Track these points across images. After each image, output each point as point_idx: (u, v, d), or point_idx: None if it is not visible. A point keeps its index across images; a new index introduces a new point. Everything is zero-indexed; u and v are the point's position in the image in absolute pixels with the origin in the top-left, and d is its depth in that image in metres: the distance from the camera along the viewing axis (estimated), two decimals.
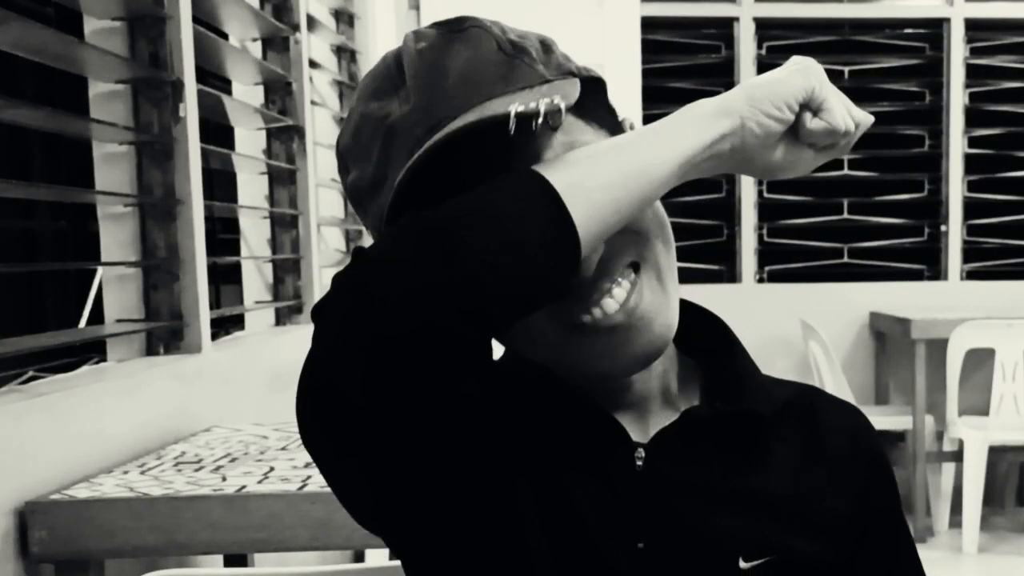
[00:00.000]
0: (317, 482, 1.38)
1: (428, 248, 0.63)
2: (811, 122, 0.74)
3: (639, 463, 0.78)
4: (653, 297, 0.76)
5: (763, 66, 4.74)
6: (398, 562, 0.85)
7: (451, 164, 0.68)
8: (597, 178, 0.66)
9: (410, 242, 0.64)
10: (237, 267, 2.75)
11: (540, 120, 0.66)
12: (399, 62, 0.76)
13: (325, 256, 2.87)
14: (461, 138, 0.67)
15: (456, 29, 0.76)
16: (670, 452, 0.79)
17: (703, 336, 0.87)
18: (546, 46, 0.78)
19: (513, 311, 0.66)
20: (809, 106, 0.73)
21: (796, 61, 0.75)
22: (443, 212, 0.65)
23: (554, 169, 0.67)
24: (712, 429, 0.81)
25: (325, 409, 0.69)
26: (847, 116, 0.75)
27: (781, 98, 0.72)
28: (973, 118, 4.76)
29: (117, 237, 1.89)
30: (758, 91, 0.72)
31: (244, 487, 1.36)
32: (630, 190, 0.67)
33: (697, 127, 0.70)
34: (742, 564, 0.77)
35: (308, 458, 1.54)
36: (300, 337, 2.52)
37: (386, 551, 1.21)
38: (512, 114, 0.65)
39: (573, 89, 0.71)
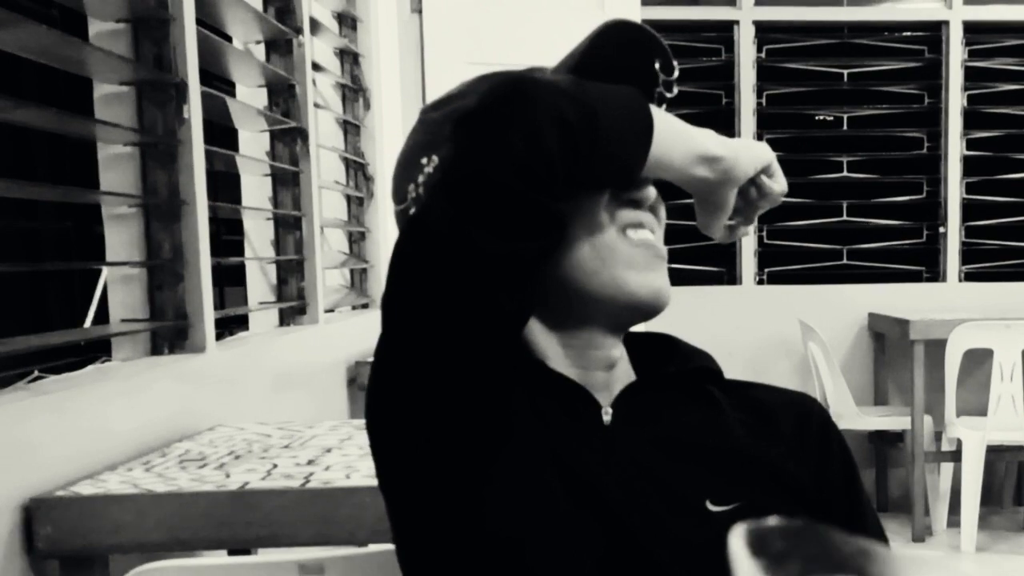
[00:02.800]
0: (320, 479, 1.39)
1: (571, 91, 0.83)
2: (769, 182, 0.98)
3: (606, 419, 0.91)
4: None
5: (763, 69, 4.76)
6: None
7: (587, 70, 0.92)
8: (661, 121, 0.88)
9: (563, 84, 0.85)
10: (241, 268, 2.76)
11: (676, 74, 0.95)
12: None
13: (328, 257, 2.88)
14: (619, 49, 0.94)
15: None
16: (634, 409, 0.92)
17: (650, 353, 1.01)
18: None
19: (608, 153, 0.84)
20: (766, 172, 0.98)
21: (759, 143, 0.99)
22: (586, 83, 0.86)
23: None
24: (671, 388, 0.94)
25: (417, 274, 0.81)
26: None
27: (758, 157, 0.96)
28: (971, 120, 4.77)
29: (122, 237, 1.89)
30: (745, 146, 0.96)
31: (247, 483, 1.37)
32: (674, 145, 0.89)
33: (713, 140, 0.92)
34: (711, 507, 0.87)
35: (311, 455, 1.56)
36: (303, 337, 2.55)
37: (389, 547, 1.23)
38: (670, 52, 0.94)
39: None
